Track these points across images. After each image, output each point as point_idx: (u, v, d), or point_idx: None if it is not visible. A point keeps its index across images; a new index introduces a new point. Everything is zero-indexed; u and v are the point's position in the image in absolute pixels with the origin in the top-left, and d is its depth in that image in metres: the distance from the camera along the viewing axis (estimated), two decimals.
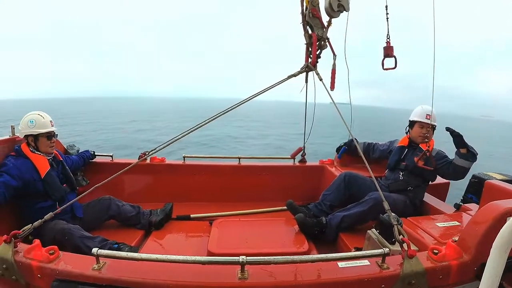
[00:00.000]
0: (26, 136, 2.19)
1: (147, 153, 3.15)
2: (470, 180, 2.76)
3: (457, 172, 2.51)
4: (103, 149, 13.74)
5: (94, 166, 2.96)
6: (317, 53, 2.11)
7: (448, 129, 2.45)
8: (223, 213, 2.89)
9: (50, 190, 2.16)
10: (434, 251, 1.49)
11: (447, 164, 2.57)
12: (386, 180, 2.84)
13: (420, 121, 2.74)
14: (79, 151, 2.88)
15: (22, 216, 2.17)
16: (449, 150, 2.58)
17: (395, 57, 2.34)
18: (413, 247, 1.80)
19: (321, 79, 2.00)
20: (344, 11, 2.00)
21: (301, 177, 3.40)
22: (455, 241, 1.67)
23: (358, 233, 2.47)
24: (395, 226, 1.49)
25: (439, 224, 1.98)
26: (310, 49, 2.13)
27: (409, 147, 2.83)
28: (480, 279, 0.91)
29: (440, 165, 2.59)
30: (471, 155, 2.44)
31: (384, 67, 2.45)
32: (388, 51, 2.33)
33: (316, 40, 2.09)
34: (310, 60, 2.11)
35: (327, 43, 2.13)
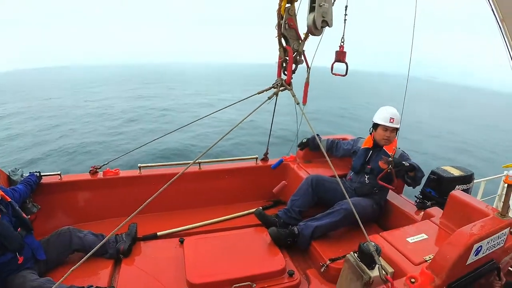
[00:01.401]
0: None
1: (98, 167, 2.83)
2: (429, 175, 2.90)
3: (411, 185, 2.72)
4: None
5: (42, 188, 2.61)
6: (292, 68, 1.93)
7: (398, 165, 2.53)
8: (190, 226, 2.78)
9: (6, 241, 1.91)
10: (412, 280, 1.60)
11: (404, 177, 2.70)
12: (352, 183, 2.87)
13: (384, 125, 2.74)
14: (23, 175, 2.51)
15: None
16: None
17: (346, 63, 2.25)
18: (389, 269, 1.91)
19: (298, 103, 1.85)
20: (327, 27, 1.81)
21: (264, 176, 3.36)
22: (427, 261, 1.85)
23: (331, 240, 2.55)
24: (378, 266, 1.51)
25: (409, 240, 2.08)
26: (284, 65, 1.94)
27: (373, 149, 2.84)
28: None
29: (399, 177, 2.67)
30: (417, 178, 2.63)
31: (333, 72, 2.38)
32: (340, 57, 2.23)
33: (292, 54, 1.90)
34: (283, 76, 1.94)
35: (302, 57, 1.96)
